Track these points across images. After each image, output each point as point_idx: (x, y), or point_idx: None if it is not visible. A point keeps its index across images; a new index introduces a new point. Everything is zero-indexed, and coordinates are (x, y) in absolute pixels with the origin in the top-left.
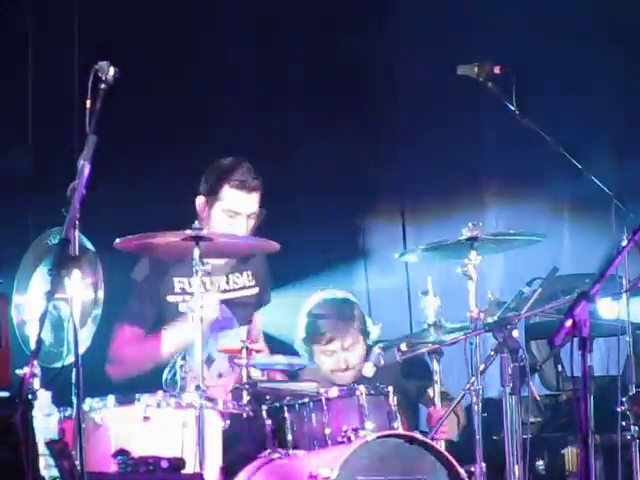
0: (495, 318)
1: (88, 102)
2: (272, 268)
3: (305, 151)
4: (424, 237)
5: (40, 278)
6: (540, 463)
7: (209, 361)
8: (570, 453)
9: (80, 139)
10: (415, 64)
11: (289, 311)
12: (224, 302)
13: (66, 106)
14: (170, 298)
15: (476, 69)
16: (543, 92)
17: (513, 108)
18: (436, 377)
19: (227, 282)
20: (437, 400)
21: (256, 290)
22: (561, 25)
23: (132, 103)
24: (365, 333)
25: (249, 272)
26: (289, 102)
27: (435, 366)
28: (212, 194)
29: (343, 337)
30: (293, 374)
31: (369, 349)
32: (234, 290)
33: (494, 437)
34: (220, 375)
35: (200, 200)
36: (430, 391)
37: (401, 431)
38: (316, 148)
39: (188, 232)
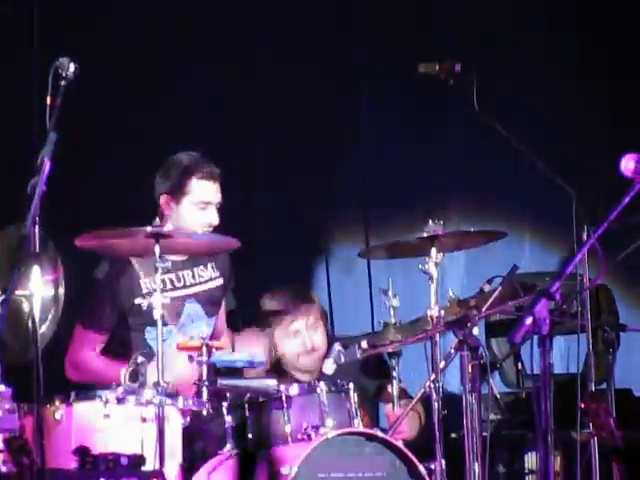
0: (455, 316)
1: (48, 99)
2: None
3: (265, 146)
4: (386, 234)
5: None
6: (500, 467)
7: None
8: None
9: (40, 136)
10: (378, 61)
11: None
12: (194, 296)
13: (25, 102)
14: (137, 300)
15: (437, 67)
16: (503, 91)
17: (474, 106)
18: (395, 375)
19: (193, 276)
20: (395, 399)
21: (221, 281)
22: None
23: (94, 99)
24: (326, 317)
25: (213, 264)
26: (249, 91)
27: (394, 364)
28: (177, 190)
29: (307, 315)
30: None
31: (330, 341)
32: (200, 283)
33: (453, 435)
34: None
35: (164, 198)
36: (388, 388)
37: (361, 428)
38: (276, 143)
39: (148, 229)
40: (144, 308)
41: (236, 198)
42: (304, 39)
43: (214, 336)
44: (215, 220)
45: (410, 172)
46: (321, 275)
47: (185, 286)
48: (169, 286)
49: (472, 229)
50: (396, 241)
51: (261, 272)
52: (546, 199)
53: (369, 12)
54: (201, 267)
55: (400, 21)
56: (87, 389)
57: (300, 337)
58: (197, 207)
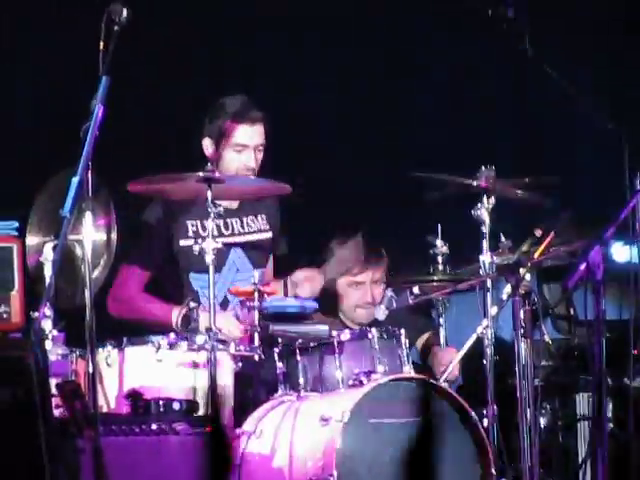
0: (508, 262)
1: (101, 44)
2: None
3: (322, 90)
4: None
5: (53, 220)
6: (547, 407)
7: (224, 304)
8: (581, 397)
9: (92, 80)
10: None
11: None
12: (240, 246)
13: (80, 48)
14: (183, 242)
15: (490, 12)
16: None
17: (526, 52)
18: (442, 322)
19: (242, 225)
20: (442, 345)
21: (270, 234)
22: None
23: (145, 44)
24: (388, 275)
25: (263, 216)
26: (303, 34)
27: (441, 312)
28: (218, 133)
29: (375, 269)
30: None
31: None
32: (249, 233)
33: (509, 380)
34: (237, 318)
35: (206, 142)
36: (423, 337)
37: (413, 374)
38: (333, 89)
39: (201, 174)
40: (195, 252)
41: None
42: None
43: None
44: (251, 162)
45: (462, 114)
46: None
47: (232, 234)
48: (215, 232)
49: (526, 179)
50: (449, 186)
51: (314, 214)
52: (599, 144)
53: None
54: (251, 217)
55: None
56: (139, 334)
57: (362, 289)
58: (234, 149)
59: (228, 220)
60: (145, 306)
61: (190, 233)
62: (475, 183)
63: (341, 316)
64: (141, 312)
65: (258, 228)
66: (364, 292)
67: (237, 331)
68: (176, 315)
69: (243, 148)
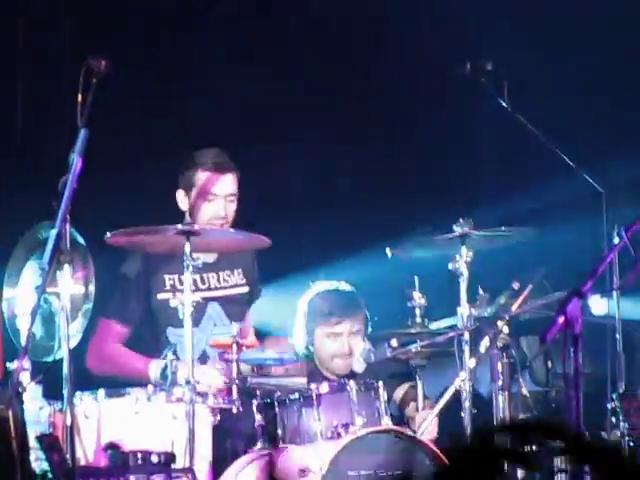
0: (486, 314)
1: (79, 96)
2: (264, 263)
3: (290, 144)
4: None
5: (30, 272)
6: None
7: (203, 358)
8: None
9: (70, 132)
10: (411, 65)
11: (281, 307)
12: (216, 300)
13: (56, 99)
14: (160, 296)
15: (468, 66)
16: (535, 90)
17: (504, 105)
18: (419, 376)
19: (218, 280)
20: (420, 399)
21: (247, 289)
22: (551, 22)
23: (122, 96)
24: (366, 326)
25: (240, 270)
26: (277, 89)
27: (418, 363)
28: (189, 184)
29: (352, 320)
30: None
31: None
32: (225, 288)
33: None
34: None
35: (180, 194)
36: (401, 389)
37: (391, 427)
38: (301, 143)
39: (179, 227)
40: (171, 305)
41: (268, 195)
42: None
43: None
44: (221, 211)
45: (442, 169)
46: (350, 269)
47: (209, 288)
48: (192, 287)
49: (503, 228)
50: (425, 239)
51: (293, 268)
52: (576, 196)
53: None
54: (227, 272)
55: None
56: (117, 386)
57: (340, 340)
58: (204, 199)
59: (204, 275)
60: (124, 361)
61: (167, 287)
62: (455, 234)
63: (319, 366)
64: (120, 367)
65: (235, 283)
66: (341, 343)
67: (218, 382)
68: (154, 368)
69: (214, 197)
